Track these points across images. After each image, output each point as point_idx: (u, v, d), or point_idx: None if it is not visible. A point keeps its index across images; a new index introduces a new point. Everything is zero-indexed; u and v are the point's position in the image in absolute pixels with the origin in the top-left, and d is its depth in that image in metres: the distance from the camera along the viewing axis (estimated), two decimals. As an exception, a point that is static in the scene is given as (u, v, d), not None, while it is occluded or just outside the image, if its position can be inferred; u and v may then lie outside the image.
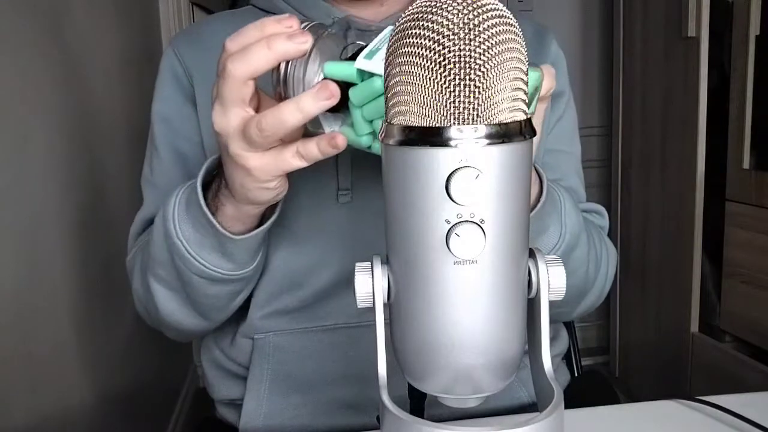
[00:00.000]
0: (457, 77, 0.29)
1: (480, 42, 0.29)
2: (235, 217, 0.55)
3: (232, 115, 0.46)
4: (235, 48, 0.44)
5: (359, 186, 0.67)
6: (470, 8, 0.29)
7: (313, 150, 0.47)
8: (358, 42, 0.49)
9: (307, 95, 0.43)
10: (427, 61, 0.29)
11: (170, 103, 0.71)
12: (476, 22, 0.29)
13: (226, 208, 0.55)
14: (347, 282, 0.68)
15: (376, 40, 0.45)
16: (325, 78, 0.45)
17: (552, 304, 0.36)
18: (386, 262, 0.35)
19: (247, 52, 0.44)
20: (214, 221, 0.54)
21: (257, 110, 0.47)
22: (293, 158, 0.47)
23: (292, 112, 0.44)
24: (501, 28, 0.30)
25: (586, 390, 0.84)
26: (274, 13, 0.72)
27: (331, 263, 0.68)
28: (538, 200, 0.58)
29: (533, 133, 0.32)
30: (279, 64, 0.45)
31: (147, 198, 0.73)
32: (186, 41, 0.72)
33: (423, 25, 0.29)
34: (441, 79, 0.29)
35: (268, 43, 0.43)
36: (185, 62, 0.70)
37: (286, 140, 0.47)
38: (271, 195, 0.52)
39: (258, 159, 0.47)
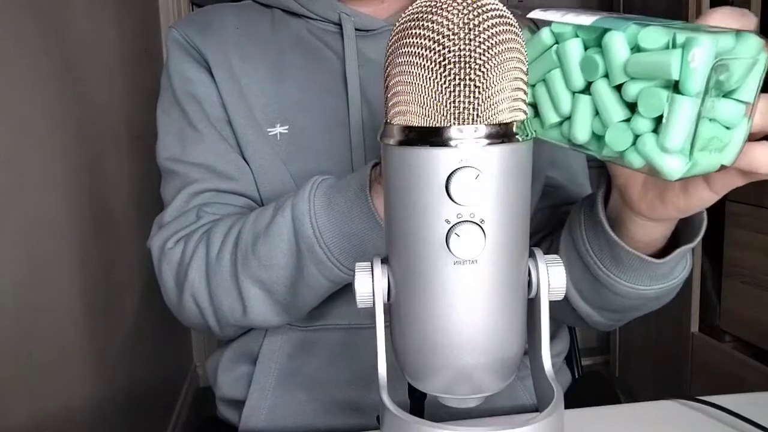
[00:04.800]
0: (457, 77, 0.29)
1: (480, 42, 0.29)
2: None
3: None
4: None
5: None
6: (470, 8, 0.29)
7: None
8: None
9: None
10: (427, 61, 0.29)
11: (197, 83, 0.69)
12: (476, 22, 0.29)
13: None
14: None
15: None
16: None
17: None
18: (386, 262, 0.36)
19: None
20: None
21: None
22: None
23: None
24: (501, 28, 0.30)
25: (586, 390, 0.84)
26: (277, 8, 0.72)
27: None
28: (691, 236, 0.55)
29: (533, 133, 0.32)
30: None
31: (191, 175, 0.68)
32: (192, 26, 0.71)
33: (423, 25, 0.30)
34: (441, 79, 0.29)
35: None
36: (196, 45, 0.69)
37: None
38: None
39: None
